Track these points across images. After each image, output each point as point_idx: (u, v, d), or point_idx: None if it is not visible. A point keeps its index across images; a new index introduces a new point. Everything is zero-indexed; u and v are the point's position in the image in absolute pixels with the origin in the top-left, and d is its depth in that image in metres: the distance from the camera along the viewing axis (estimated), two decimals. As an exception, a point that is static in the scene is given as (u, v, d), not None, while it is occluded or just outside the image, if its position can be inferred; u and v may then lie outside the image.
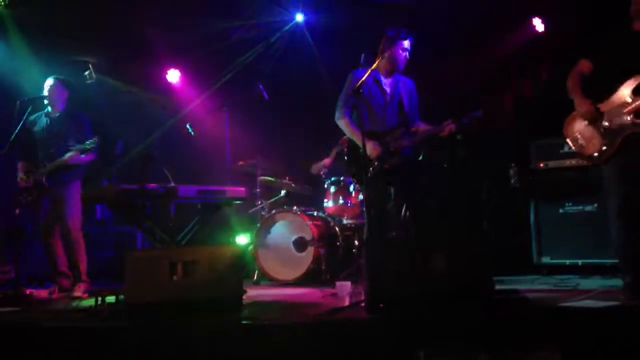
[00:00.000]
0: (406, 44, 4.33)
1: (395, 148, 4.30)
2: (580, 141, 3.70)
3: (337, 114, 4.40)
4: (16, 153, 5.03)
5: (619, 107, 3.52)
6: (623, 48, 3.58)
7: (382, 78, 4.40)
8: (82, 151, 4.88)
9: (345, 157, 4.47)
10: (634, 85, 3.48)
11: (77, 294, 4.80)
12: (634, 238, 3.54)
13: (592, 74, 3.70)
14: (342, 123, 4.40)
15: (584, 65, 3.73)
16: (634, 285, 3.55)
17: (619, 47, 3.61)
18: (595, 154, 3.61)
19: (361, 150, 3.88)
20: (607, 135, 3.56)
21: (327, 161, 6.06)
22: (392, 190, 4.38)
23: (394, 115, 4.38)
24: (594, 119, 3.61)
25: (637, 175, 3.51)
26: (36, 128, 5.16)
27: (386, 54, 4.28)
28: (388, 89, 4.40)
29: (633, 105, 3.46)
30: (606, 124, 3.56)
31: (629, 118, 3.47)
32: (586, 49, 3.78)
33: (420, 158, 4.50)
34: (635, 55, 3.52)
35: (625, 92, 3.50)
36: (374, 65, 4.20)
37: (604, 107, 3.59)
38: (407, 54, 4.35)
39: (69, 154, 4.88)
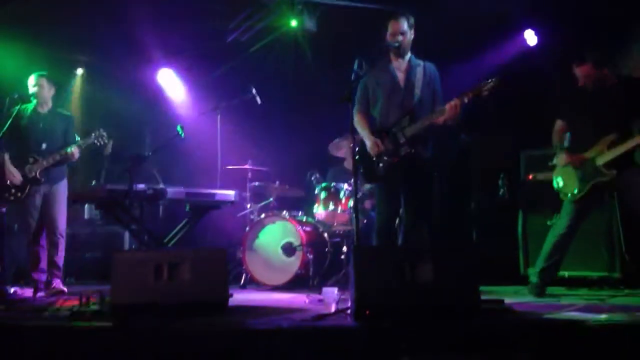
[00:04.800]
0: (392, 26, 4.26)
1: (404, 138, 4.20)
2: (561, 183, 4.45)
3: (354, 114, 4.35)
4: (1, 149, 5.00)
5: (594, 158, 4.25)
6: (582, 108, 4.38)
7: (393, 66, 4.36)
8: (85, 145, 4.94)
9: (357, 156, 4.30)
10: (608, 142, 4.20)
11: (59, 287, 4.78)
12: (559, 251, 4.40)
13: (569, 128, 4.53)
14: (354, 121, 4.32)
15: (560, 125, 4.55)
16: (537, 286, 4.43)
17: (579, 108, 4.41)
18: (569, 195, 4.38)
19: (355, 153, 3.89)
20: (581, 181, 4.30)
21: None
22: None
23: (405, 100, 4.26)
24: (574, 168, 4.33)
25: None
26: (23, 122, 5.08)
27: (387, 46, 4.29)
28: (400, 75, 4.32)
29: (604, 158, 4.20)
30: (582, 172, 4.30)
31: (600, 168, 4.22)
32: (557, 110, 4.59)
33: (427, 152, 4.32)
34: (593, 113, 4.29)
35: (602, 146, 4.23)
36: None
37: (584, 157, 4.30)
38: (404, 35, 4.25)
39: (73, 148, 4.90)
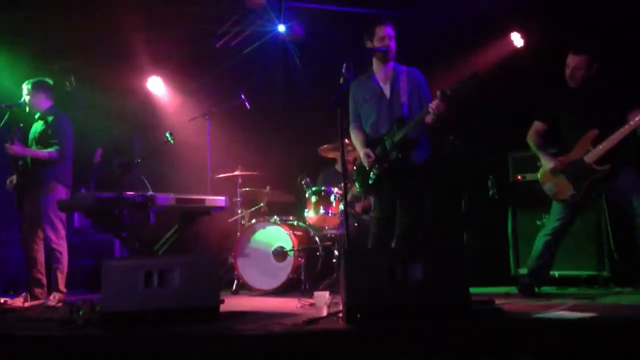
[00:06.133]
0: (381, 31, 4.26)
1: (392, 145, 4.22)
2: (554, 189, 4.36)
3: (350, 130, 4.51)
4: None
5: (582, 157, 4.20)
6: (566, 106, 4.35)
7: (377, 77, 4.38)
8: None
9: (355, 168, 4.51)
10: (591, 138, 4.18)
11: (52, 303, 4.74)
12: (549, 251, 4.39)
13: (548, 129, 4.47)
14: (351, 137, 4.50)
15: (538, 126, 4.50)
16: (527, 286, 4.45)
17: (562, 106, 4.38)
18: (567, 198, 4.30)
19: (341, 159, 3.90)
20: (575, 181, 4.24)
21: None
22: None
23: (393, 110, 4.30)
24: (562, 171, 4.27)
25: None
26: (30, 132, 5.22)
27: (369, 48, 4.31)
28: (384, 86, 4.35)
29: (594, 155, 4.15)
30: (573, 172, 4.23)
31: (592, 165, 4.16)
32: (537, 111, 4.53)
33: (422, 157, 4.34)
34: (576, 110, 4.28)
35: (585, 144, 4.20)
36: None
37: (569, 158, 4.27)
38: (390, 39, 4.26)
39: (6, 144, 4.92)
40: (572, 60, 4.29)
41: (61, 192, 5.02)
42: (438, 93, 3.99)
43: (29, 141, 5.17)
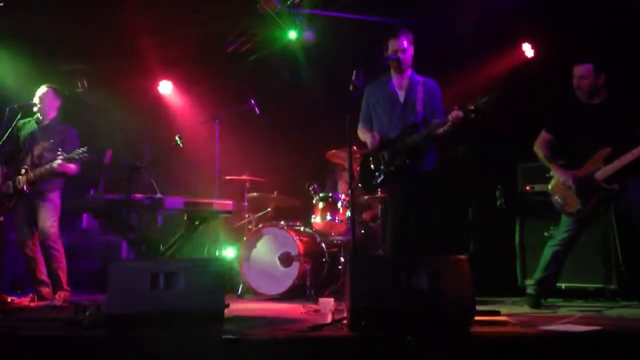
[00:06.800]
0: (393, 44, 4.28)
1: (403, 148, 4.22)
2: (561, 201, 4.37)
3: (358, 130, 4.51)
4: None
5: (592, 173, 4.19)
6: (573, 119, 4.35)
7: (394, 82, 4.40)
8: (70, 160, 4.84)
9: (359, 168, 4.52)
10: (603, 156, 4.16)
11: (58, 303, 4.77)
12: (556, 262, 4.39)
13: (555, 140, 4.46)
14: (359, 135, 4.48)
15: (545, 137, 4.49)
16: (534, 297, 4.43)
17: (569, 118, 4.38)
18: (574, 212, 4.30)
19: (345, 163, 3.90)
20: (582, 197, 4.23)
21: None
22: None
23: (405, 117, 4.31)
24: (573, 185, 4.26)
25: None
26: (22, 133, 5.14)
27: (382, 57, 4.32)
28: (400, 92, 4.37)
29: (604, 173, 4.14)
30: (582, 187, 4.22)
31: (601, 183, 4.15)
32: (544, 121, 4.52)
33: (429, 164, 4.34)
34: (585, 124, 4.26)
35: (596, 161, 4.19)
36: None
37: (579, 173, 4.26)
38: (404, 52, 4.27)
39: (57, 162, 4.82)
40: (577, 70, 4.31)
41: (59, 195, 5.08)
42: (456, 107, 3.97)
43: (21, 141, 5.11)
